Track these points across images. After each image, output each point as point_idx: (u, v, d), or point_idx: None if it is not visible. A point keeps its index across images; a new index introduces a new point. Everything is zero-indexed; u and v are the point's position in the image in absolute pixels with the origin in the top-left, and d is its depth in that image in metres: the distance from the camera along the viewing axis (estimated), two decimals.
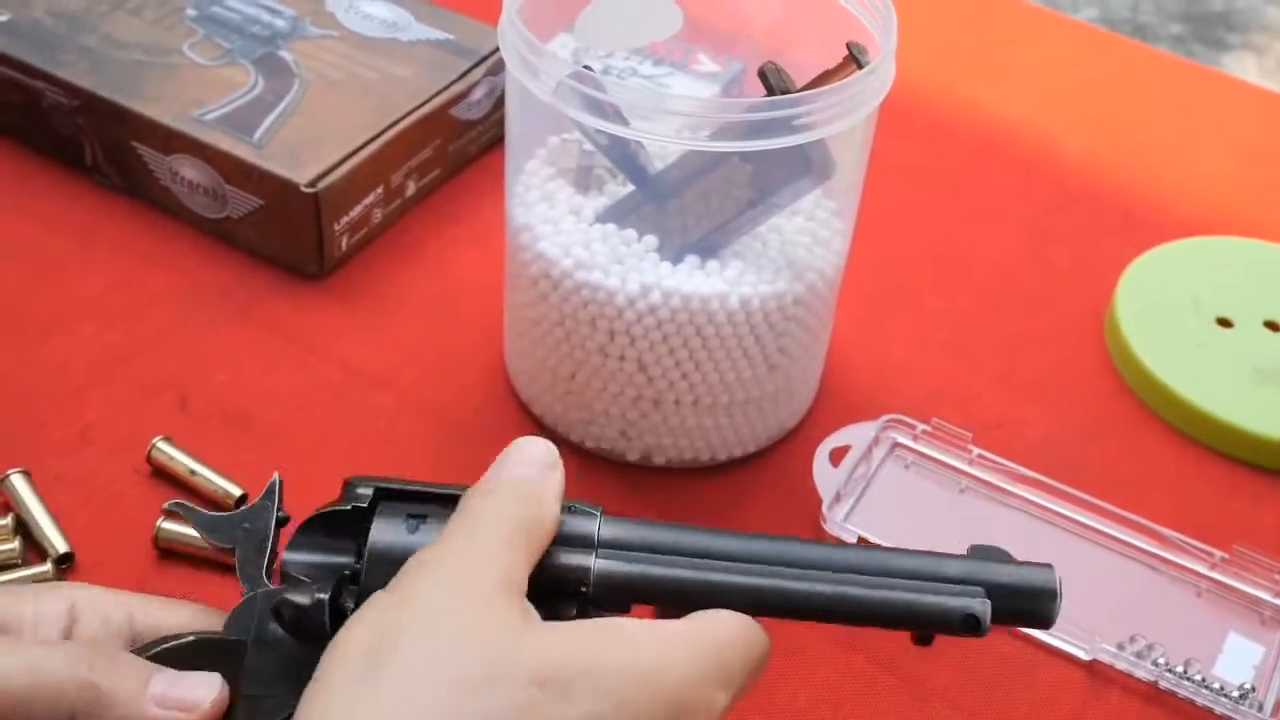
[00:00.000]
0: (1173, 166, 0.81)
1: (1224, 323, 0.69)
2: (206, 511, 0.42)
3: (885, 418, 0.62)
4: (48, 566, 0.54)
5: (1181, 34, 2.31)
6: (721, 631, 0.39)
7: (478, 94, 0.74)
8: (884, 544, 0.58)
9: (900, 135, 0.76)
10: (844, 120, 0.53)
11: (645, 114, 0.52)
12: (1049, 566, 0.43)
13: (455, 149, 0.74)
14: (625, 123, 0.52)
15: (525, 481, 0.40)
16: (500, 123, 0.76)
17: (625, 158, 0.57)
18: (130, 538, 0.55)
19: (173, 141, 0.68)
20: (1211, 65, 2.24)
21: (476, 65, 0.74)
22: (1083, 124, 0.84)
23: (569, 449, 0.61)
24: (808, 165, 0.54)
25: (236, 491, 0.57)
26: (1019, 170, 0.80)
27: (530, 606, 0.38)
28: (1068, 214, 0.77)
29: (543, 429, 0.62)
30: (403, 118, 0.70)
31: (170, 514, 0.46)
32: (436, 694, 0.35)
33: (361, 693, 0.35)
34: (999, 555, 0.43)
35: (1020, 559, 0.58)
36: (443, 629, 0.36)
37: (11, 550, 0.54)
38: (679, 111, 0.52)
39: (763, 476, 0.61)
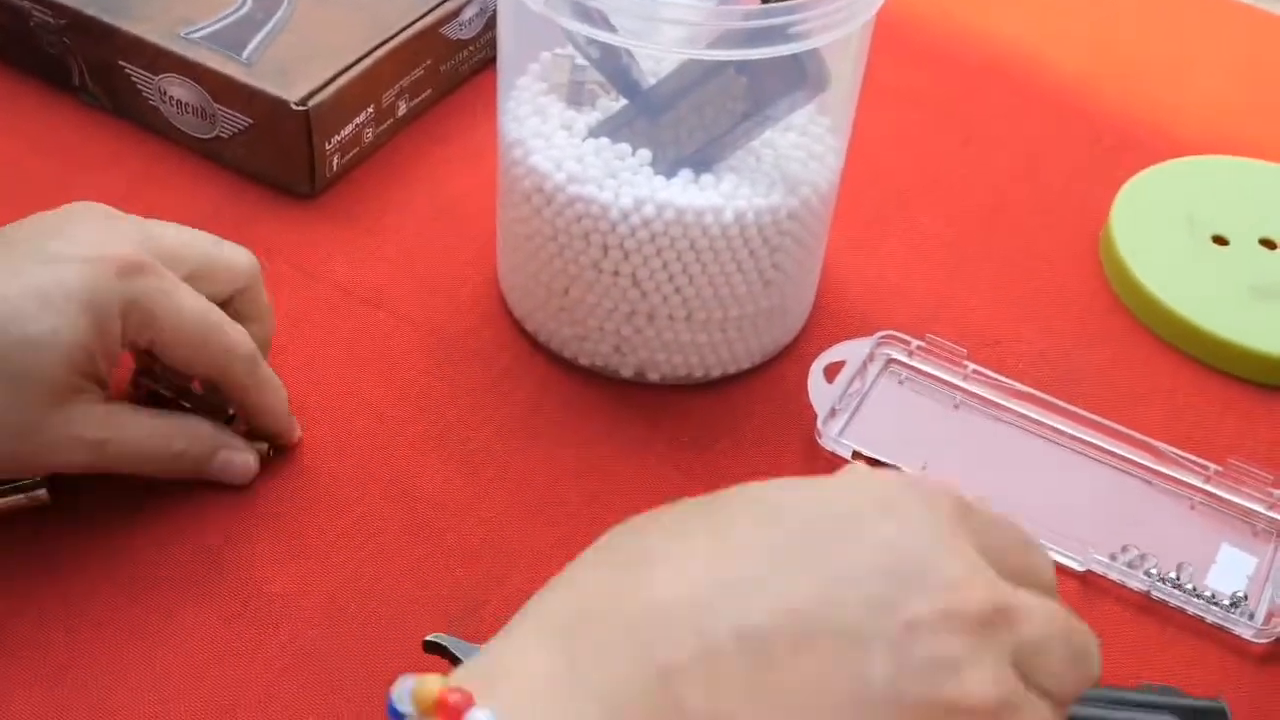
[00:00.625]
0: (1168, 87, 0.81)
1: (1219, 240, 0.69)
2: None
3: (880, 334, 0.62)
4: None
5: None
6: None
7: (469, 13, 0.73)
8: (879, 457, 0.58)
9: (895, 57, 0.75)
10: (840, 29, 0.52)
11: (638, 23, 0.52)
12: (1220, 701, 0.47)
13: (447, 69, 0.73)
14: (612, 29, 0.52)
15: None
16: (492, 44, 0.75)
17: (618, 71, 0.56)
18: None
19: (160, 60, 0.67)
20: None
21: None
22: (1078, 45, 0.83)
23: (562, 366, 0.61)
24: (803, 76, 0.54)
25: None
26: (1014, 91, 0.79)
27: None
28: (1063, 134, 0.77)
29: (536, 345, 0.62)
30: (393, 36, 0.69)
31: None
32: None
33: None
34: (1173, 692, 0.46)
35: (1016, 474, 0.59)
36: None
37: None
38: (672, 19, 0.51)
39: (757, 392, 0.61)
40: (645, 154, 0.56)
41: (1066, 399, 0.61)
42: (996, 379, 0.61)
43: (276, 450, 0.56)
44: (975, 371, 0.62)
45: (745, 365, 0.62)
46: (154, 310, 0.50)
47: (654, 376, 0.61)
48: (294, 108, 0.65)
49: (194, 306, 0.51)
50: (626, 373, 0.61)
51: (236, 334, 0.53)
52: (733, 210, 0.56)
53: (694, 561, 0.36)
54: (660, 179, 0.56)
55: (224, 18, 0.69)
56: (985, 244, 0.69)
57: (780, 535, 0.36)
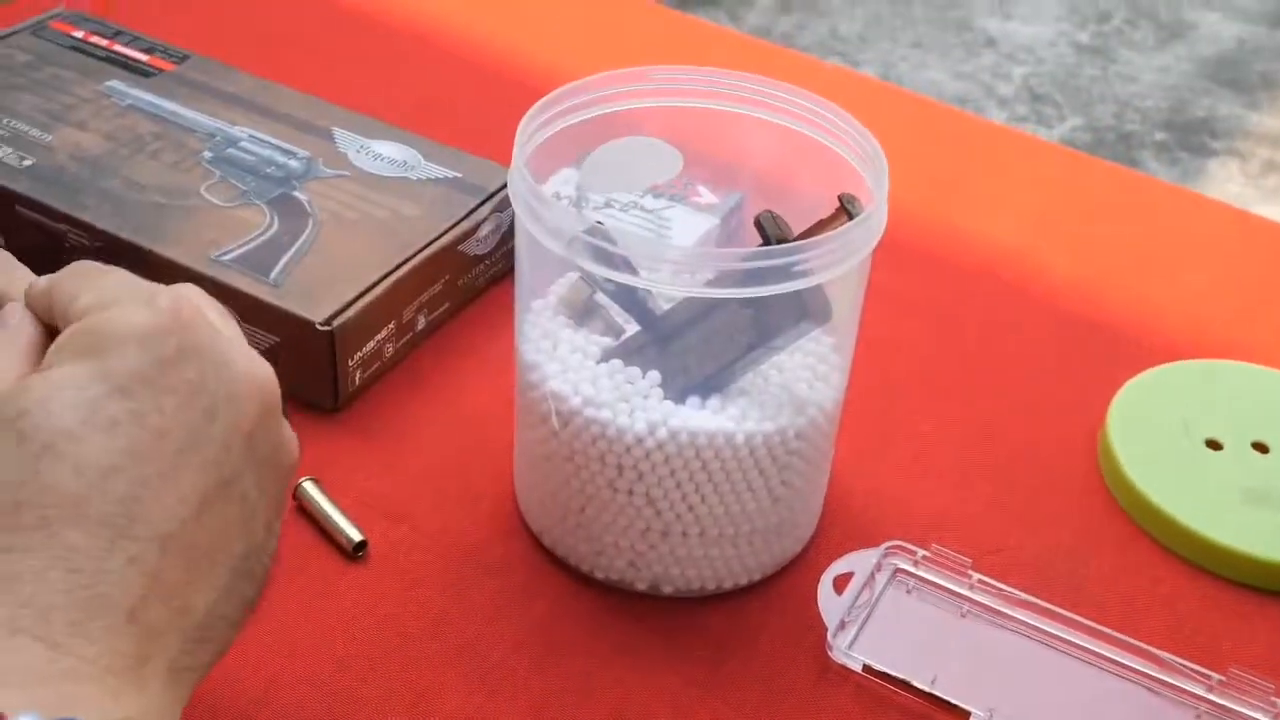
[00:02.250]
0: (1157, 288, 0.84)
1: (1213, 445, 0.71)
2: None
3: (886, 544, 0.64)
4: None
5: (1166, 141, 2.36)
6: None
7: (485, 229, 0.76)
8: (890, 671, 0.59)
9: (889, 265, 0.78)
10: (838, 267, 0.55)
11: (650, 263, 0.55)
12: None
13: (464, 283, 0.76)
14: (635, 273, 0.55)
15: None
16: (507, 256, 0.78)
17: (633, 302, 0.59)
18: None
19: (192, 281, 0.70)
20: (1196, 171, 2.29)
21: (484, 203, 0.76)
22: (1069, 247, 0.87)
23: (579, 579, 0.63)
24: (805, 310, 0.57)
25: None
26: (1009, 295, 0.82)
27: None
28: (1058, 337, 0.80)
29: (553, 559, 0.64)
30: (414, 255, 0.72)
31: None
32: None
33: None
34: None
35: (1023, 683, 0.60)
36: None
37: None
38: (682, 261, 0.54)
39: (768, 604, 0.63)
40: (655, 376, 0.59)
41: (1069, 606, 0.62)
42: (1000, 588, 0.63)
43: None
44: (980, 581, 0.63)
45: (756, 577, 0.63)
46: None
47: (668, 589, 0.62)
48: (319, 328, 0.67)
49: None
50: (641, 586, 0.62)
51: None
52: (742, 434, 0.58)
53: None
54: (670, 403, 0.58)
55: (252, 240, 0.72)
56: (985, 449, 0.72)
57: None
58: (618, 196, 0.72)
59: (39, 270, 0.75)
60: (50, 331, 0.46)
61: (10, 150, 0.76)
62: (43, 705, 0.36)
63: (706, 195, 0.75)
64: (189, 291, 0.45)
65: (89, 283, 0.45)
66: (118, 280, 0.45)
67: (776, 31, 2.59)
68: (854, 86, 1.13)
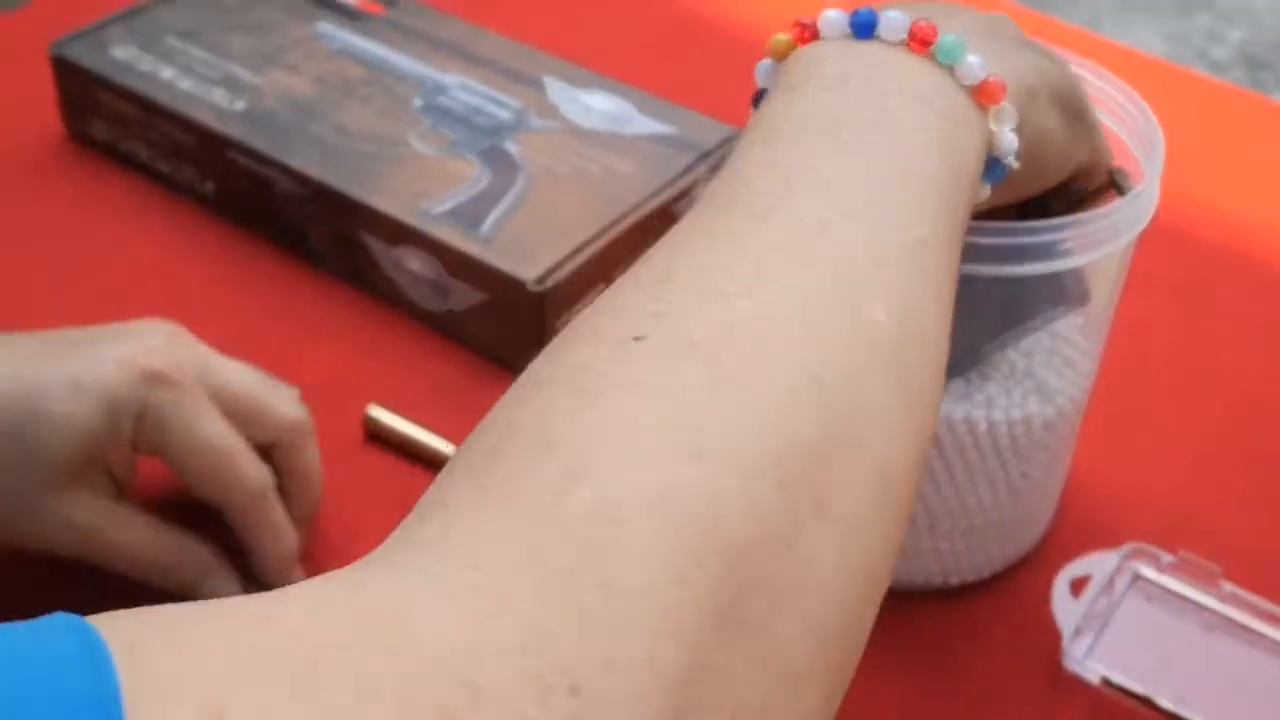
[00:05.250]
0: None
1: None
2: None
3: (1128, 547, 0.59)
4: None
5: None
6: None
7: (700, 190, 0.73)
8: (1130, 685, 0.55)
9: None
10: (1104, 247, 0.51)
11: None
12: None
13: None
14: None
15: None
16: None
17: None
18: None
19: (401, 234, 0.68)
20: None
21: (700, 160, 0.73)
22: None
23: None
24: (1064, 292, 0.52)
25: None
26: (1265, 279, 0.76)
27: None
28: None
29: None
30: (626, 214, 0.69)
31: None
32: None
33: None
34: None
35: (1275, 709, 0.55)
36: None
37: None
38: None
39: (996, 603, 0.59)
40: None
41: None
42: (1255, 603, 0.58)
43: None
44: (1232, 594, 0.58)
45: (985, 574, 0.59)
46: (167, 420, 0.52)
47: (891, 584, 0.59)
48: (531, 288, 0.65)
49: (211, 429, 0.53)
50: None
51: (250, 467, 0.54)
52: (986, 422, 0.54)
53: None
54: None
55: (462, 193, 0.70)
56: (1239, 445, 0.66)
57: None
58: None
59: (244, 213, 0.74)
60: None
61: (223, 92, 0.75)
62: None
63: None
64: None
65: None
66: None
67: None
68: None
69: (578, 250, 0.67)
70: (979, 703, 0.55)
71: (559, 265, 0.66)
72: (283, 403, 0.56)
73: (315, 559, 0.59)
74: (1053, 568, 0.59)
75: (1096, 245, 0.51)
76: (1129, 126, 0.54)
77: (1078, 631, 0.57)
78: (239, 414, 0.54)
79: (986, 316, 0.54)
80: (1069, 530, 0.62)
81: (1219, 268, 0.77)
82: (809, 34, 0.43)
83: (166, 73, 0.75)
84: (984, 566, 0.59)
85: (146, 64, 0.76)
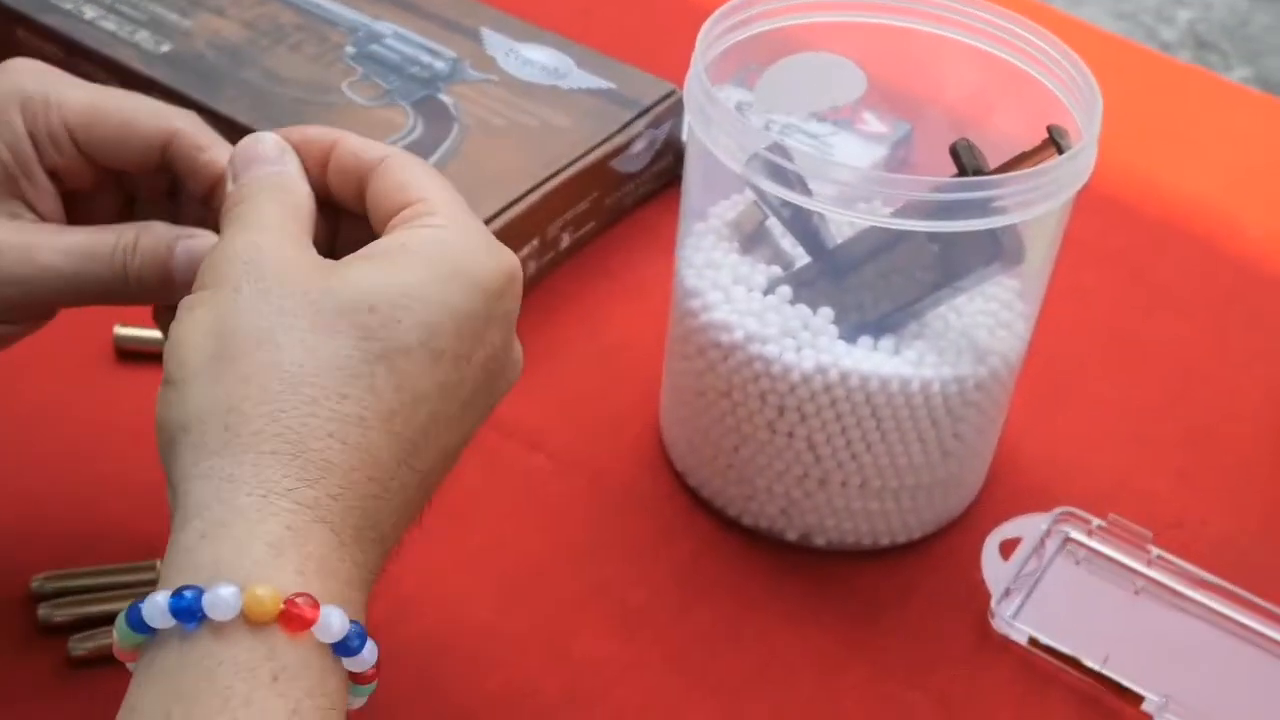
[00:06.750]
0: None
1: None
2: None
3: (1058, 510, 0.59)
4: None
5: None
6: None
7: (638, 146, 0.72)
8: (1056, 645, 0.55)
9: (1078, 209, 0.73)
10: (1040, 205, 0.50)
11: (834, 189, 0.50)
12: None
13: (611, 202, 0.72)
14: (809, 194, 0.50)
15: (269, 175, 0.44)
16: (657, 176, 0.74)
17: (807, 229, 0.55)
18: None
19: None
20: None
21: (639, 116, 0.72)
22: (1266, 204, 0.80)
23: (724, 524, 0.59)
24: (998, 250, 0.52)
25: None
26: (1200, 252, 0.76)
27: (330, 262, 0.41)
28: (1251, 300, 0.73)
29: (697, 500, 0.60)
30: (562, 169, 0.68)
31: None
32: (291, 351, 0.39)
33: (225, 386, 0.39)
34: None
35: (1202, 672, 0.56)
36: (267, 304, 0.40)
37: None
38: (869, 188, 0.50)
39: (925, 565, 0.59)
40: (827, 313, 0.54)
41: (1257, 591, 0.57)
42: (1182, 566, 0.58)
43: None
44: (1160, 558, 0.58)
45: (915, 535, 0.59)
46: (48, 90, 0.48)
47: (820, 541, 0.58)
48: None
49: (93, 85, 0.49)
50: (791, 536, 0.58)
51: (154, 104, 0.49)
52: (919, 380, 0.53)
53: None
54: (842, 343, 0.54)
55: (394, 143, 0.68)
56: (1169, 415, 0.66)
57: None
58: (776, 118, 0.67)
59: None
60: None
61: (147, 34, 0.73)
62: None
63: (873, 123, 0.69)
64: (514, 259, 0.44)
65: (427, 183, 0.44)
66: (453, 202, 0.44)
67: None
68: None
69: (511, 204, 0.66)
70: (907, 662, 0.55)
71: (491, 220, 0.65)
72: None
73: None
74: (983, 530, 0.59)
75: (1033, 203, 0.50)
76: (1068, 87, 0.54)
77: (1006, 592, 0.57)
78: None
79: (921, 273, 0.53)
80: (1000, 493, 0.61)
81: (1158, 239, 0.77)
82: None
83: (90, 12, 0.73)
84: (914, 528, 0.59)
85: (69, 3, 0.74)
